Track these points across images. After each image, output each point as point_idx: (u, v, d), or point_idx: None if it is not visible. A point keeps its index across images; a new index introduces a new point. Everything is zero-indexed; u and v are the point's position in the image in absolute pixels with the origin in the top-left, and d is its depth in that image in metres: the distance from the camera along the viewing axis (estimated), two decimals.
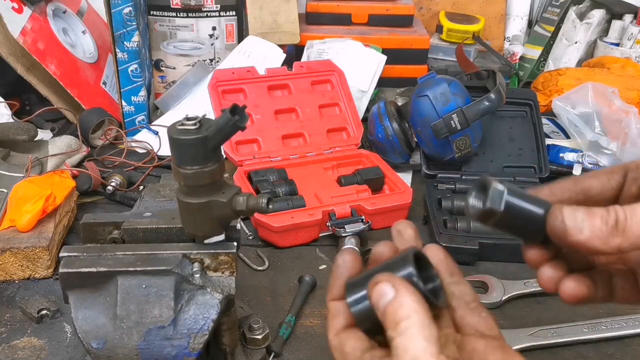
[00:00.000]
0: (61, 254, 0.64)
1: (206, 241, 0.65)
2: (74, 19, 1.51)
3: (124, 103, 1.41)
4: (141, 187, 1.19)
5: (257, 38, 1.46)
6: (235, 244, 0.65)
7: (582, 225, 0.37)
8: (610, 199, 0.43)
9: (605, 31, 1.69)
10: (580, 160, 1.25)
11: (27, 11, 1.35)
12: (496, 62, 1.64)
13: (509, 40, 1.84)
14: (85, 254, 0.64)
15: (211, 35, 1.53)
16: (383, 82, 1.48)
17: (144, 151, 1.34)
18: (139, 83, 1.40)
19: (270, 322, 0.82)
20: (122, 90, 1.39)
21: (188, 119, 0.58)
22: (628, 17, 1.63)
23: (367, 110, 1.39)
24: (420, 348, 0.35)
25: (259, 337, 0.78)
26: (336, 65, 1.34)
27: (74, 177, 1.12)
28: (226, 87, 1.25)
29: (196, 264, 0.64)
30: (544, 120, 1.38)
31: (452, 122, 1.12)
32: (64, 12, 1.49)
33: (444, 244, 0.98)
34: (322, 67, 1.33)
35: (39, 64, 1.31)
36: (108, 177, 1.17)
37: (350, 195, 1.10)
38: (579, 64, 1.67)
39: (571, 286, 0.41)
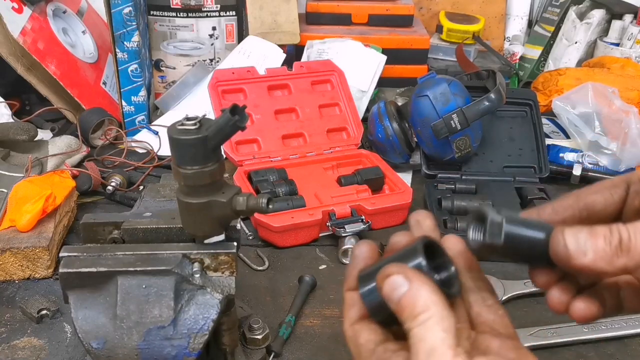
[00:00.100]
0: (61, 254, 0.64)
1: (206, 241, 0.65)
2: (74, 19, 1.51)
3: (124, 103, 1.41)
4: (141, 187, 1.19)
5: (257, 38, 1.46)
6: (235, 244, 0.65)
7: (585, 247, 0.36)
8: (613, 213, 0.42)
9: (605, 31, 1.69)
10: (580, 160, 1.25)
11: (27, 11, 1.35)
12: (496, 62, 1.64)
13: (509, 40, 1.84)
14: (85, 254, 0.64)
15: (211, 35, 1.53)
16: (383, 82, 1.48)
17: (144, 151, 1.34)
18: (139, 83, 1.40)
19: (270, 322, 0.82)
20: (122, 90, 1.39)
21: (188, 119, 0.58)
22: (628, 17, 1.63)
23: (367, 110, 1.39)
24: (439, 339, 0.35)
25: (259, 337, 0.78)
26: (336, 65, 1.34)
27: (74, 177, 1.12)
28: (226, 87, 1.25)
29: (196, 264, 0.64)
30: (544, 120, 1.38)
31: (452, 122, 1.12)
32: (64, 12, 1.49)
33: None
34: (322, 67, 1.33)
35: (39, 64, 1.31)
36: (108, 177, 1.17)
37: (350, 195, 1.10)
38: (579, 64, 1.67)
39: (581, 308, 0.41)
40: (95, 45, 1.54)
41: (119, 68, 1.37)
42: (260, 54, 1.43)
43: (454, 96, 1.14)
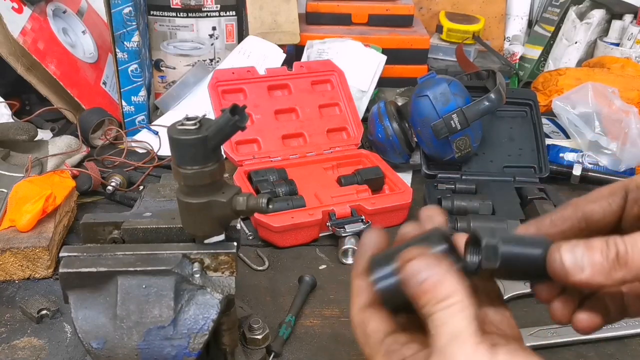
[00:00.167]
0: (61, 254, 0.64)
1: (206, 241, 0.65)
2: (74, 19, 1.51)
3: (124, 103, 1.41)
4: (141, 187, 1.19)
5: (257, 38, 1.46)
6: (235, 244, 0.65)
7: (582, 262, 0.36)
8: (612, 222, 0.42)
9: (605, 31, 1.70)
10: (580, 160, 1.25)
11: (27, 11, 1.35)
12: (496, 62, 1.64)
13: (509, 40, 1.84)
14: (85, 254, 0.64)
15: (211, 35, 1.53)
16: (383, 82, 1.48)
17: (144, 151, 1.34)
18: (139, 83, 1.40)
19: (270, 322, 0.82)
20: (122, 90, 1.39)
21: (188, 119, 0.58)
22: (628, 17, 1.63)
23: (367, 110, 1.39)
24: (463, 325, 0.34)
25: (259, 337, 0.78)
26: (336, 65, 1.34)
27: (74, 177, 1.12)
28: (226, 87, 1.25)
29: (196, 264, 0.64)
30: (544, 120, 1.38)
31: (452, 122, 1.12)
32: (64, 12, 1.49)
33: None
34: (322, 67, 1.33)
35: (39, 64, 1.31)
36: (108, 177, 1.17)
37: (350, 195, 1.10)
38: (579, 64, 1.67)
39: (584, 319, 0.41)
40: (95, 45, 1.54)
41: (119, 68, 1.37)
42: (260, 54, 1.43)
43: (454, 96, 1.14)
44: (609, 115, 1.25)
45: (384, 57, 1.45)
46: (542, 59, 1.77)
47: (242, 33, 1.54)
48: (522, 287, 0.91)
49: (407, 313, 0.39)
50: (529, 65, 1.78)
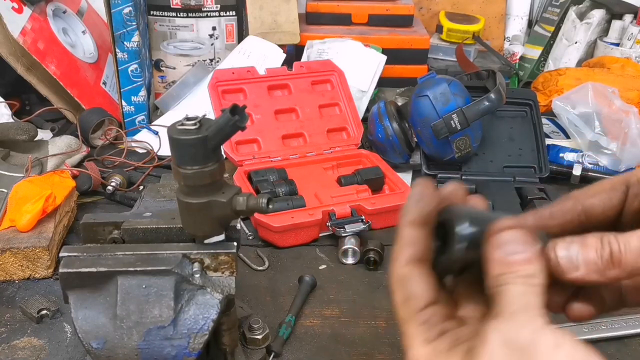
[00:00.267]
0: (61, 254, 0.64)
1: (206, 241, 0.65)
2: (74, 19, 1.51)
3: (124, 103, 1.41)
4: (141, 187, 1.19)
5: (257, 38, 1.46)
6: (235, 244, 0.65)
7: (577, 261, 0.36)
8: (612, 216, 0.42)
9: (605, 31, 1.70)
10: (580, 160, 1.25)
11: (27, 11, 1.35)
12: (496, 62, 1.64)
13: (509, 40, 1.84)
14: (85, 254, 0.64)
15: (211, 35, 1.53)
16: (383, 82, 1.48)
17: (144, 151, 1.34)
18: (139, 83, 1.40)
19: (270, 322, 0.82)
20: (122, 90, 1.39)
21: (188, 119, 0.58)
22: (628, 17, 1.63)
23: (367, 110, 1.39)
24: (536, 303, 0.34)
25: (259, 337, 0.78)
26: (336, 65, 1.34)
27: (74, 177, 1.12)
28: (226, 87, 1.25)
29: (196, 264, 0.64)
30: (544, 120, 1.38)
31: (452, 122, 1.12)
32: (64, 12, 1.49)
33: None
34: (322, 67, 1.33)
35: (39, 64, 1.31)
36: (108, 177, 1.17)
37: (350, 195, 1.10)
38: (579, 64, 1.67)
39: (577, 309, 0.41)
40: (95, 45, 1.54)
41: (119, 68, 1.37)
42: (260, 54, 1.43)
43: (454, 96, 1.14)
44: (609, 115, 1.25)
45: (384, 57, 1.45)
46: (542, 59, 1.77)
47: (242, 33, 1.54)
48: None
49: (454, 275, 0.38)
50: (529, 65, 1.78)
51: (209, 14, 1.50)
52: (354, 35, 1.52)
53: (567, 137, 1.33)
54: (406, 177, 1.26)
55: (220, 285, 0.64)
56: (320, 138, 1.26)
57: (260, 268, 0.98)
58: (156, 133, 1.38)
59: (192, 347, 0.62)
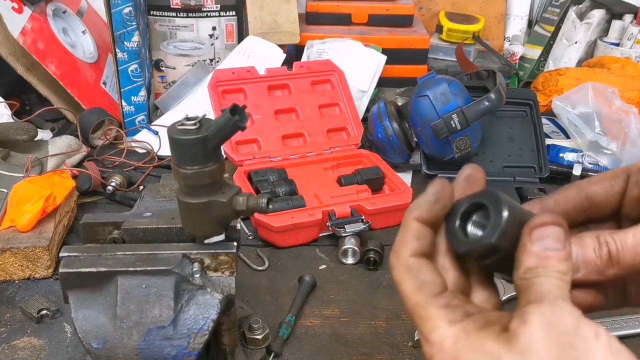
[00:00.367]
0: (61, 254, 0.64)
1: (206, 241, 0.65)
2: (74, 19, 1.51)
3: (124, 103, 1.41)
4: (141, 187, 1.19)
5: (257, 38, 1.46)
6: (235, 244, 0.65)
7: (577, 262, 0.37)
8: (614, 203, 0.43)
9: (605, 31, 1.70)
10: (580, 160, 1.25)
11: (27, 11, 1.35)
12: (496, 62, 1.64)
13: (509, 40, 1.84)
14: (85, 254, 0.64)
15: (211, 35, 1.53)
16: (383, 82, 1.48)
17: (144, 151, 1.34)
18: (139, 83, 1.40)
19: (270, 322, 0.82)
20: (122, 90, 1.39)
21: (188, 119, 0.58)
22: (628, 17, 1.63)
23: (367, 110, 1.39)
24: (563, 293, 0.34)
25: (259, 337, 0.78)
26: (336, 65, 1.34)
27: (74, 177, 1.12)
28: (226, 87, 1.25)
29: (196, 264, 0.64)
30: (544, 120, 1.38)
31: (452, 122, 1.12)
32: (64, 12, 1.49)
33: None
34: (322, 67, 1.33)
35: (39, 64, 1.31)
36: (108, 177, 1.17)
37: (350, 195, 1.10)
38: (579, 64, 1.67)
39: (577, 297, 0.41)
40: (95, 45, 1.54)
41: (119, 68, 1.37)
42: (260, 54, 1.43)
43: (454, 96, 1.14)
44: (609, 115, 1.25)
45: (384, 57, 1.45)
46: (542, 59, 1.77)
47: (242, 33, 1.54)
48: None
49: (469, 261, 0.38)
50: (529, 65, 1.78)
51: (209, 14, 1.50)
52: (354, 35, 1.52)
53: (567, 137, 1.33)
54: (406, 177, 1.26)
55: (220, 285, 0.64)
56: (320, 138, 1.26)
57: (260, 268, 0.98)
58: (156, 133, 1.38)
59: (192, 347, 0.62)
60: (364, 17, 1.60)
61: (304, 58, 1.48)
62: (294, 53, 1.50)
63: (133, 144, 1.36)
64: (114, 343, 0.61)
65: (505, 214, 0.37)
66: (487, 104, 1.12)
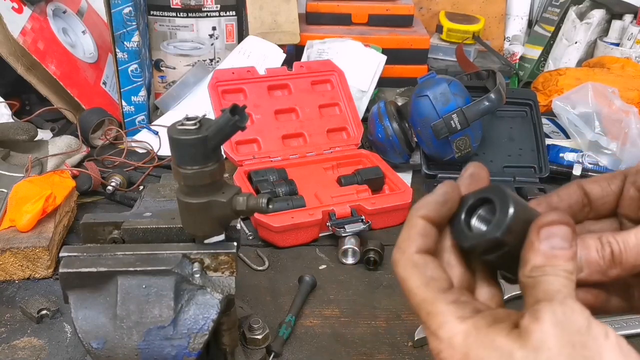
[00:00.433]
0: (61, 254, 0.64)
1: (206, 241, 0.65)
2: (74, 19, 1.51)
3: (124, 103, 1.41)
4: (141, 187, 1.19)
5: (257, 38, 1.46)
6: (235, 244, 0.65)
7: (580, 262, 0.37)
8: (611, 202, 0.44)
9: (605, 31, 1.70)
10: (580, 160, 1.25)
11: (27, 11, 1.35)
12: (496, 62, 1.64)
13: (509, 40, 1.84)
14: (85, 254, 0.64)
15: (211, 35, 1.53)
16: (383, 82, 1.48)
17: (144, 151, 1.34)
18: (139, 83, 1.40)
19: (270, 322, 0.82)
20: (122, 90, 1.39)
21: (188, 119, 0.58)
22: (628, 17, 1.63)
23: (367, 110, 1.39)
24: (569, 291, 0.34)
25: (259, 337, 0.78)
26: (336, 65, 1.34)
27: (74, 177, 1.12)
28: (226, 87, 1.25)
29: (196, 264, 0.64)
30: (544, 120, 1.38)
31: (452, 122, 1.12)
32: (64, 12, 1.49)
33: None
34: (322, 67, 1.33)
35: (39, 64, 1.31)
36: (108, 177, 1.17)
37: (350, 195, 1.10)
38: (579, 64, 1.67)
39: (580, 296, 0.41)
40: (95, 45, 1.54)
41: (119, 68, 1.37)
42: (260, 54, 1.43)
43: (454, 96, 1.14)
44: (609, 115, 1.25)
45: (384, 57, 1.45)
46: (542, 59, 1.77)
47: (242, 33, 1.54)
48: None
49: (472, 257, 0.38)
50: (529, 65, 1.78)
51: (209, 14, 1.50)
52: (354, 35, 1.52)
53: (567, 137, 1.33)
54: (406, 177, 1.26)
55: (220, 285, 0.64)
56: (320, 138, 1.26)
57: (260, 268, 0.98)
58: (156, 133, 1.38)
59: (192, 347, 0.62)
60: (364, 17, 1.60)
61: (304, 58, 1.48)
62: (294, 53, 1.50)
63: (133, 144, 1.36)
64: (114, 343, 0.61)
65: (512, 209, 0.37)
66: (487, 104, 1.12)
